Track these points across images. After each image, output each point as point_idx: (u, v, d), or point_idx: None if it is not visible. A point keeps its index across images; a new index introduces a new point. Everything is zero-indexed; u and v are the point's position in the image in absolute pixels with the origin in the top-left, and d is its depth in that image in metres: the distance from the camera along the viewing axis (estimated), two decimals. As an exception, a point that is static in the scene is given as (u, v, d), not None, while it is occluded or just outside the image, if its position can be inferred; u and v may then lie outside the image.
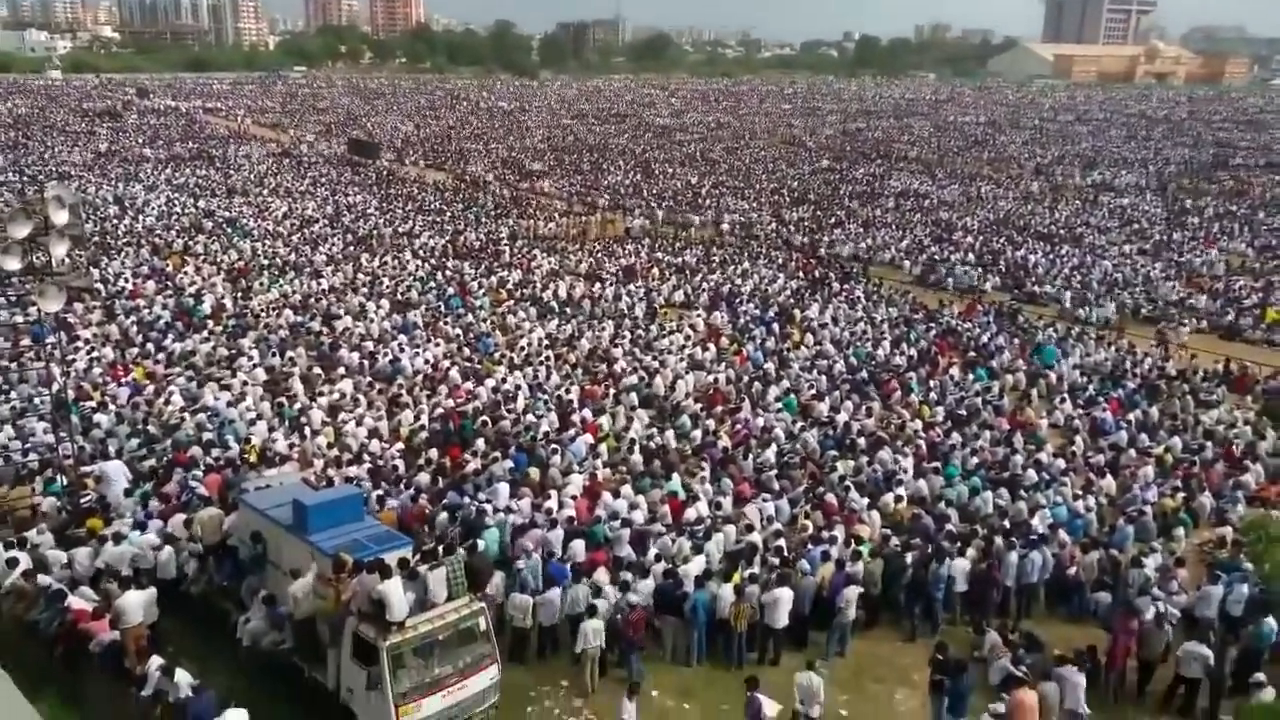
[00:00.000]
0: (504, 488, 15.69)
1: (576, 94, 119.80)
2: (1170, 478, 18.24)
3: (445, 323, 26.33)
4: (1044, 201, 51.91)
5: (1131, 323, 30.22)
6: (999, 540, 14.67)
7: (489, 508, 14.88)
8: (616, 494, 15.88)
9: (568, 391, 20.91)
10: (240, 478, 15.06)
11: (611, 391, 21.35)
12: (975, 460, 18.47)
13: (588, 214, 46.37)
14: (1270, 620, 12.72)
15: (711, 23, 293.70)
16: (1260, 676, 11.73)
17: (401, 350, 23.34)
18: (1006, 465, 18.29)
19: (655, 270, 34.34)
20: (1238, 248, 41.34)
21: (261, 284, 29.54)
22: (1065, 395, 22.93)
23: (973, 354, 25.94)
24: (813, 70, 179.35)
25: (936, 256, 38.17)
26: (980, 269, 36.23)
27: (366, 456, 16.89)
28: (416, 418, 19.01)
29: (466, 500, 15.16)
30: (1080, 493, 17.21)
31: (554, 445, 17.75)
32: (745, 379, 22.99)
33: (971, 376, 23.87)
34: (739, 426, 19.73)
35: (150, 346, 23.08)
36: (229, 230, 37.80)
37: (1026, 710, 11.02)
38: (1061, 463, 18.62)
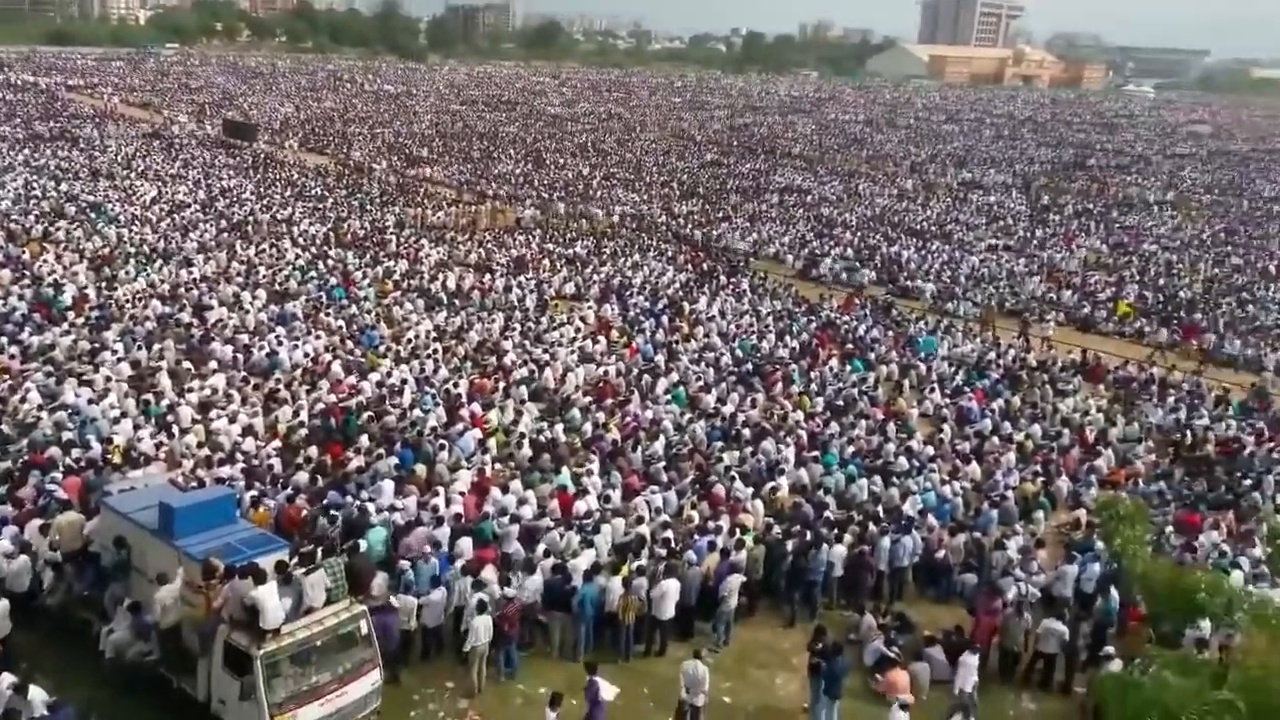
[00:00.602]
0: (388, 485, 15.45)
1: (466, 79, 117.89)
2: (1030, 463, 19.40)
3: (327, 314, 25.52)
4: (917, 199, 54.03)
5: (997, 316, 31.85)
6: (873, 526, 15.34)
7: (372, 507, 14.61)
8: (505, 489, 15.86)
9: (456, 385, 20.69)
10: (102, 480, 14.33)
11: (501, 385, 21.24)
12: (852, 449, 19.23)
13: (477, 203, 45.81)
14: (1114, 594, 13.71)
15: (603, 12, 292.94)
16: (1109, 649, 12.64)
17: (279, 343, 22.56)
18: (880, 453, 19.13)
19: (546, 262, 34.26)
20: (1094, 244, 44.00)
21: (127, 273, 27.99)
22: (934, 385, 24.06)
23: (850, 346, 26.91)
24: (701, 64, 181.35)
25: (818, 251, 39.32)
26: (859, 264, 37.54)
27: (240, 455, 16.26)
28: (295, 414, 18.46)
29: (348, 499, 14.84)
30: (947, 478, 18.15)
31: (441, 440, 17.57)
32: (635, 371, 23.24)
33: (849, 368, 24.79)
34: (628, 419, 19.95)
35: (4, 340, 21.49)
36: (93, 216, 35.66)
37: (899, 689, 11.62)
38: (930, 450, 19.58)
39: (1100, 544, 15.40)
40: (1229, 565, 14.37)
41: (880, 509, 16.43)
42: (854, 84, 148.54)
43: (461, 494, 15.60)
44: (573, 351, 24.03)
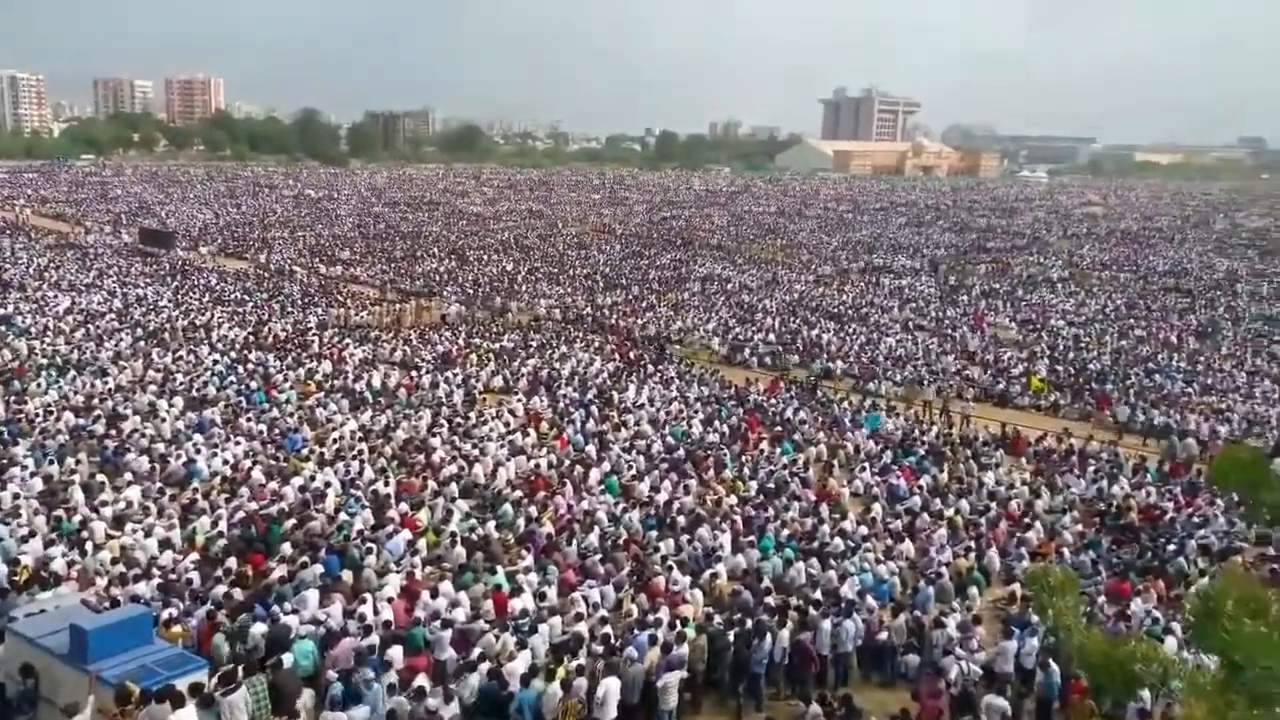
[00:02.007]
0: (313, 595, 14.78)
1: (388, 182, 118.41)
2: (961, 539, 19.62)
3: (247, 419, 24.83)
4: (832, 284, 55.64)
5: (917, 393, 32.61)
6: (813, 610, 15.21)
7: (295, 619, 13.96)
8: (435, 593, 15.34)
9: (384, 486, 20.17)
10: (9, 604, 13.42)
11: (430, 483, 20.78)
12: (786, 532, 19.18)
13: (402, 301, 45.60)
14: (1055, 668, 13.77)
15: (521, 115, 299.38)
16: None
17: (197, 451, 21.77)
18: (815, 535, 19.12)
19: (473, 356, 34.06)
20: (1002, 322, 45.71)
21: (38, 385, 26.93)
22: (864, 464, 24.35)
23: (779, 428, 27.16)
24: (618, 162, 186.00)
25: (741, 337, 39.98)
26: (781, 347, 38.25)
27: (156, 570, 15.44)
28: (214, 524, 17.69)
29: (272, 611, 14.17)
30: (882, 558, 18.18)
31: (369, 544, 16.97)
32: (567, 463, 23.02)
33: (779, 450, 24.96)
34: (562, 512, 19.65)
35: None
36: (2, 328, 34.41)
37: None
38: (864, 529, 19.65)
39: (1035, 618, 15.61)
40: (1161, 633, 14.60)
41: (819, 592, 16.34)
42: (764, 177, 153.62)
43: (391, 600, 15.01)
44: (503, 445, 23.71)
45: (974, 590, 17.12)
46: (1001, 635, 15.06)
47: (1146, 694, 11.66)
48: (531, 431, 25.14)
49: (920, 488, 22.59)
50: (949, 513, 20.89)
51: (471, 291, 48.90)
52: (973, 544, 19.24)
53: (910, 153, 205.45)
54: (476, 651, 13.50)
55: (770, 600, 15.75)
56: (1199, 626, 4.61)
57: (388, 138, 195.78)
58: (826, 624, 14.77)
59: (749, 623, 14.64)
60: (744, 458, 24.25)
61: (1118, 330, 44.19)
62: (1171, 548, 19.40)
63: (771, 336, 40.43)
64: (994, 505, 21.54)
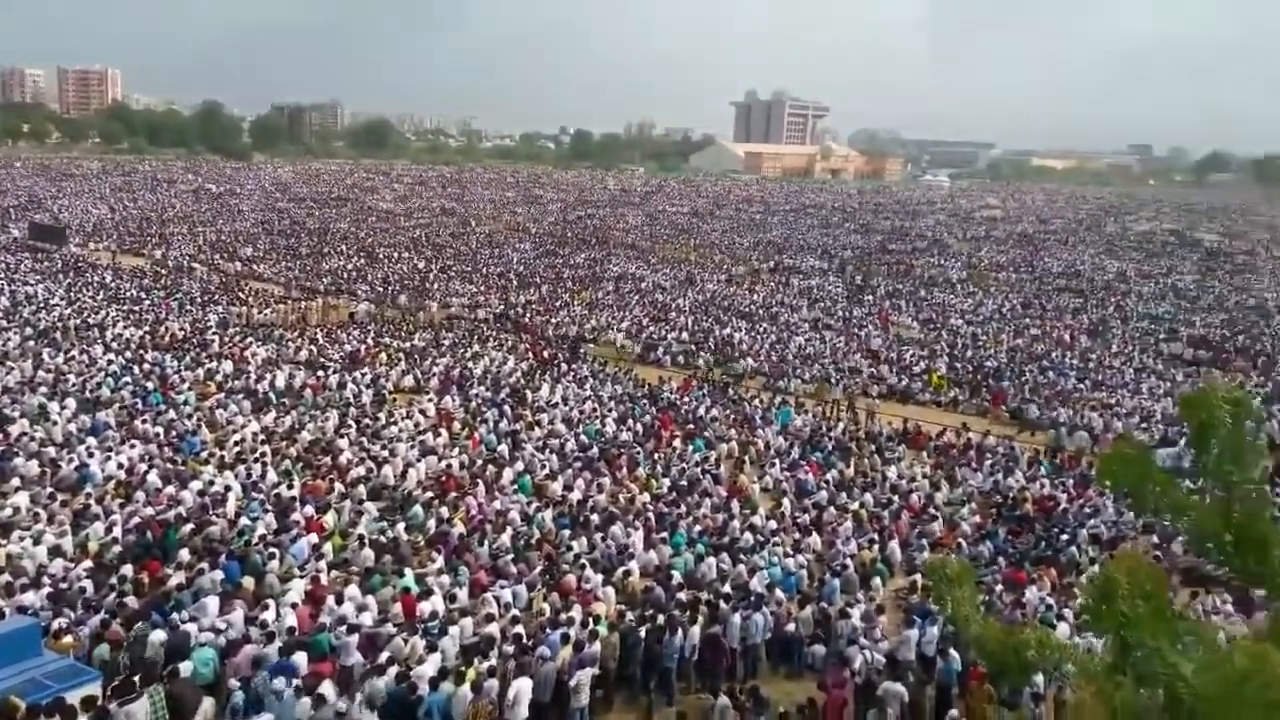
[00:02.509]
0: (213, 602, 14.32)
1: (293, 176, 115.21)
2: (866, 531, 20.18)
3: (143, 421, 23.88)
4: (744, 284, 56.46)
5: (825, 391, 33.35)
6: (723, 604, 15.45)
7: (194, 627, 13.51)
8: (341, 597, 15.03)
9: (288, 488, 19.66)
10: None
11: (337, 485, 20.35)
12: (698, 528, 19.43)
13: (307, 299, 44.46)
14: (955, 655, 14.28)
15: (432, 111, 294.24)
16: (953, 713, 13.08)
17: (90, 455, 20.82)
18: (726, 530, 19.41)
19: (383, 355, 33.44)
20: (905, 321, 47.07)
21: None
22: (774, 460, 24.82)
23: (691, 426, 27.46)
24: (533, 160, 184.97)
25: (655, 336, 40.25)
26: (694, 346, 38.66)
27: (46, 579, 14.76)
28: (108, 530, 16.99)
29: (170, 619, 13.68)
30: (791, 551, 18.58)
31: (271, 549, 16.53)
32: (479, 462, 22.82)
33: (691, 448, 25.24)
34: (473, 512, 19.49)
35: None
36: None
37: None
38: (773, 524, 20.04)
39: (935, 607, 16.14)
40: (1055, 619, 15.28)
41: (729, 586, 16.60)
42: (678, 178, 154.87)
43: (295, 605, 14.65)
44: (413, 446, 23.37)
45: (877, 581, 17.62)
46: (904, 624, 15.56)
47: (1040, 678, 12.19)
48: (443, 431, 24.84)
49: (827, 482, 23.14)
50: (854, 506, 21.44)
51: (381, 289, 48.03)
52: (876, 536, 19.81)
53: (819, 156, 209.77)
54: (384, 655, 13.31)
55: (681, 596, 15.92)
56: (1094, 610, 4.85)
57: (293, 132, 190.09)
58: (736, 618, 15.02)
59: (660, 618, 14.79)
60: (657, 455, 24.44)
61: (1013, 329, 45.93)
62: (1064, 537, 20.32)
63: (685, 335, 40.81)
64: (896, 498, 22.19)
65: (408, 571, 16.13)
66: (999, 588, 17.33)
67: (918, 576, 17.93)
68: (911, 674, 14.20)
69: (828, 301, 51.53)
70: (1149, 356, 41.14)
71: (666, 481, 22.40)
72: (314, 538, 17.27)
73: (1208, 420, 4.82)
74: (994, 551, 19.68)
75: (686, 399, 30.64)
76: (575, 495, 20.82)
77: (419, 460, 22.32)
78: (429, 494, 20.28)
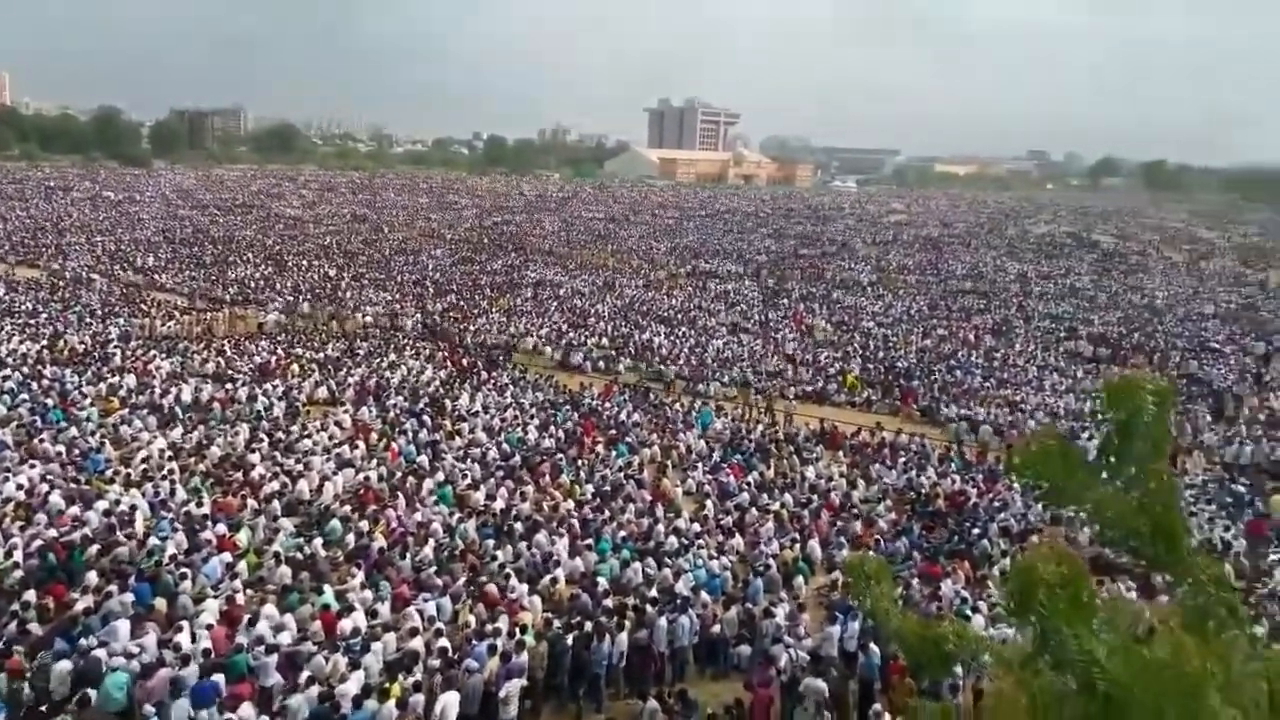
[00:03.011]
0: (123, 626, 13.74)
1: (195, 183, 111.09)
2: (787, 531, 20.52)
3: (42, 440, 22.74)
4: (662, 289, 56.84)
5: (745, 394, 33.80)
6: (650, 609, 15.51)
7: (104, 652, 12.95)
8: (257, 617, 14.59)
9: (198, 506, 18.99)
10: None
11: (250, 502, 19.74)
12: (623, 533, 19.46)
13: (213, 310, 43.04)
14: (875, 650, 14.63)
15: (340, 116, 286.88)
16: (877, 707, 13.40)
17: (-16, 476, 19.78)
18: (650, 535, 19.50)
19: (295, 366, 32.56)
20: (819, 323, 48.03)
21: None
22: (696, 463, 25.04)
23: (613, 432, 27.50)
24: (446, 166, 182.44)
25: (574, 341, 40.20)
26: (614, 351, 38.75)
27: (-61, 610, 14.02)
28: (8, 554, 16.13)
29: (78, 645, 13.07)
30: (715, 553, 18.77)
31: (183, 570, 15.95)
32: (398, 474, 22.42)
33: (614, 453, 25.28)
34: (394, 525, 19.14)
35: None
36: None
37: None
38: (697, 527, 20.22)
39: (855, 603, 16.52)
40: (969, 611, 15.78)
41: (655, 590, 16.68)
42: (593, 183, 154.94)
43: (210, 626, 14.16)
44: (329, 459, 22.83)
45: (799, 580, 17.93)
46: (826, 621, 15.86)
47: (959, 670, 12.57)
48: (360, 443, 24.33)
49: (748, 484, 23.46)
50: (775, 507, 21.79)
51: (291, 299, 46.81)
52: (797, 535, 20.17)
53: (732, 162, 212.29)
54: (305, 675, 12.97)
55: (608, 602, 15.94)
56: (1016, 600, 5.01)
57: (195, 137, 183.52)
58: (663, 621, 15.10)
59: (588, 625, 14.77)
60: (580, 462, 24.41)
61: (922, 330, 47.32)
62: (976, 531, 21.02)
63: (604, 340, 40.85)
64: (816, 498, 22.65)
65: (327, 588, 15.75)
66: (915, 582, 17.82)
67: (838, 574, 18.33)
68: (834, 670, 14.49)
69: (744, 305, 52.23)
70: (1051, 354, 42.85)
71: (590, 488, 22.40)
72: (227, 556, 16.72)
73: (1133, 410, 4.97)
74: (909, 547, 20.24)
75: (608, 404, 30.68)
76: (498, 504, 20.64)
77: (335, 473, 21.81)
78: (347, 508, 19.83)
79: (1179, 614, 5.11)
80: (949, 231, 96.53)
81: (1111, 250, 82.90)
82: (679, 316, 47.98)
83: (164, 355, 33.05)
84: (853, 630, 15.36)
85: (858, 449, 27.69)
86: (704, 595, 16.43)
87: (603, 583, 16.79)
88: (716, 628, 15.73)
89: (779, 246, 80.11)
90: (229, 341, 36.96)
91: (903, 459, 26.52)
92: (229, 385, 29.41)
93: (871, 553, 17.83)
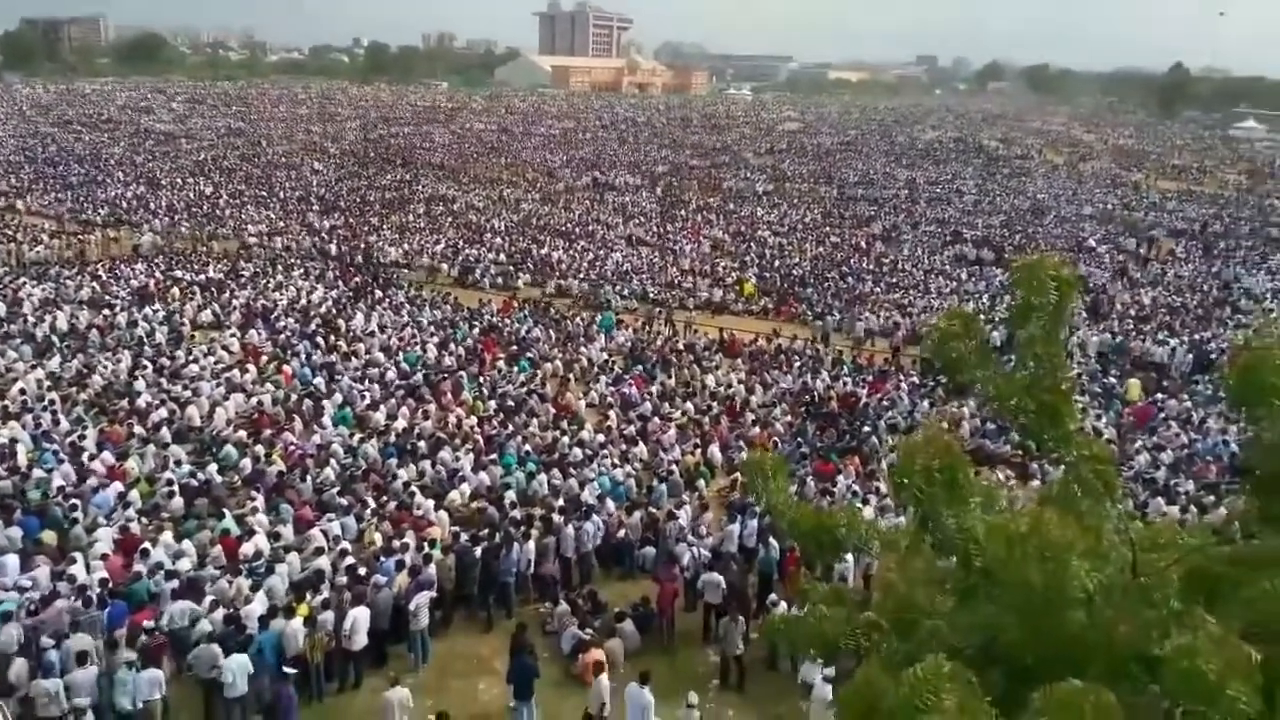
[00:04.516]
0: (12, 560, 13.32)
1: (55, 98, 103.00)
2: (689, 437, 21.06)
3: (-97, 376, 21.40)
4: (559, 202, 56.12)
5: (644, 305, 34.03)
6: (556, 518, 15.83)
7: (-7, 587, 12.55)
8: (154, 544, 14.29)
9: (82, 437, 18.28)
10: None
11: (137, 429, 19.10)
12: (528, 447, 19.64)
13: (84, 233, 40.61)
14: (774, 544, 15.31)
15: (208, 23, 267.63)
16: (774, 596, 14.10)
17: None
18: (555, 447, 19.74)
19: (175, 290, 31.16)
20: (716, 234, 48.38)
21: None
22: (598, 376, 25.27)
23: (514, 347, 27.43)
24: (325, 75, 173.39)
25: (473, 258, 39.54)
26: (512, 267, 38.32)
27: None
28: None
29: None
30: (619, 462, 19.18)
31: (72, 501, 15.46)
32: (294, 397, 21.96)
33: (516, 369, 25.27)
34: (292, 448, 18.84)
35: None
36: None
37: (597, 667, 12.14)
38: (601, 438, 20.55)
39: (753, 500, 17.20)
40: (860, 504, 16.60)
41: (562, 500, 16.98)
42: (484, 93, 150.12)
43: (104, 556, 13.84)
44: (218, 384, 22.17)
45: (701, 483, 18.52)
46: (726, 520, 16.48)
47: (850, 557, 13.30)
48: (250, 367, 23.66)
49: (650, 394, 23.84)
50: (676, 415, 22.27)
51: (167, 219, 44.49)
52: (699, 441, 20.73)
53: (626, 70, 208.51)
54: (209, 599, 12.85)
55: (515, 513, 16.18)
56: (899, 486, 5.25)
57: (51, 49, 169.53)
58: (569, 529, 15.45)
59: (496, 536, 15.00)
60: (481, 379, 24.34)
61: (815, 238, 48.17)
62: (865, 429, 21.96)
63: (502, 256, 40.30)
64: (715, 404, 23.20)
65: (226, 513, 15.52)
66: (810, 480, 18.60)
67: (738, 475, 18.98)
68: (734, 564, 15.15)
69: (642, 217, 52.08)
70: (938, 258, 44.28)
71: (493, 404, 22.40)
72: (119, 486, 16.23)
73: (1035, 292, 5.11)
74: (803, 446, 21.05)
75: (508, 320, 30.48)
76: (400, 424, 20.50)
77: (226, 399, 21.25)
78: (241, 433, 19.39)
79: (1052, 492, 5.48)
80: (841, 139, 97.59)
81: (996, 154, 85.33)
82: (577, 230, 47.58)
83: (34, 281, 31.20)
84: (751, 528, 16.01)
85: (755, 355, 28.34)
86: (609, 503, 16.82)
87: (510, 495, 16.99)
88: (621, 532, 16.18)
89: (676, 157, 79.75)
90: (103, 265, 35.08)
91: (798, 364, 27.28)
92: (106, 311, 28.05)
93: (770, 454, 18.50)
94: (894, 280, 39.20)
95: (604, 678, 11.83)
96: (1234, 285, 39.09)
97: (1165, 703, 4.01)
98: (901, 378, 26.19)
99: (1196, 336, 30.40)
